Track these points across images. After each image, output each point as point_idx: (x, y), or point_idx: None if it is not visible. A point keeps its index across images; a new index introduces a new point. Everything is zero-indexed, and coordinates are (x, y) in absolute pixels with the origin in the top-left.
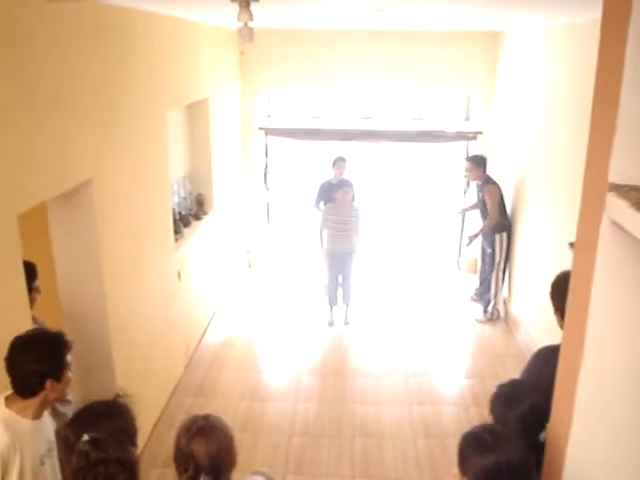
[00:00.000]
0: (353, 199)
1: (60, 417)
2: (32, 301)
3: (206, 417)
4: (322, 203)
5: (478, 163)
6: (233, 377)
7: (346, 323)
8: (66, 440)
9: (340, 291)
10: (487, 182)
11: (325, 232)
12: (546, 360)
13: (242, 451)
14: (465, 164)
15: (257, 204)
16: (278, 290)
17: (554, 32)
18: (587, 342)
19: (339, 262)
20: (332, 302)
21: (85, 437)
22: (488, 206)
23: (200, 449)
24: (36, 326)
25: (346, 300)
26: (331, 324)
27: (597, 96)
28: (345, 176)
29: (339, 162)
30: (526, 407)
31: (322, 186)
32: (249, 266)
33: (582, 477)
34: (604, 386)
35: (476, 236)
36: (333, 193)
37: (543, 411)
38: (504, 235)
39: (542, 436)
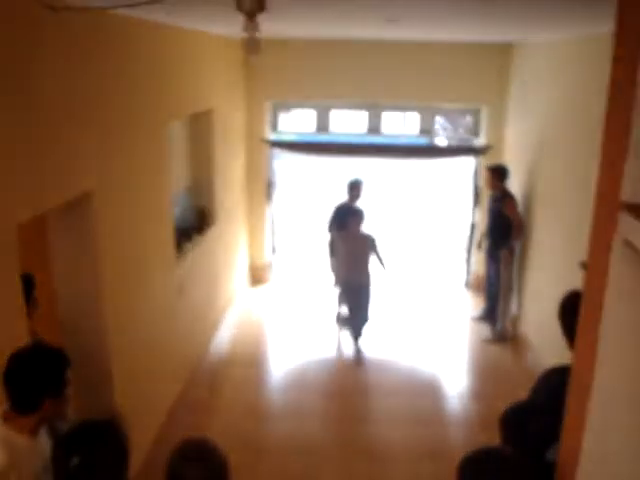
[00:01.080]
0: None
1: (58, 434)
2: (31, 313)
3: (199, 441)
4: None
5: (498, 174)
6: (235, 395)
7: (359, 363)
8: (57, 459)
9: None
10: (505, 195)
11: (337, 261)
12: (554, 380)
13: (244, 471)
14: (485, 173)
15: (260, 217)
16: (282, 305)
17: (566, 44)
18: (598, 363)
19: (353, 293)
20: (356, 332)
21: (75, 460)
22: (511, 217)
23: (192, 475)
24: (34, 339)
25: (355, 332)
26: (358, 362)
27: (609, 111)
28: (359, 201)
29: (355, 185)
30: (534, 428)
31: (338, 210)
32: (252, 281)
33: None
34: (615, 407)
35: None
36: (349, 218)
37: (551, 431)
38: (509, 252)
39: (550, 453)
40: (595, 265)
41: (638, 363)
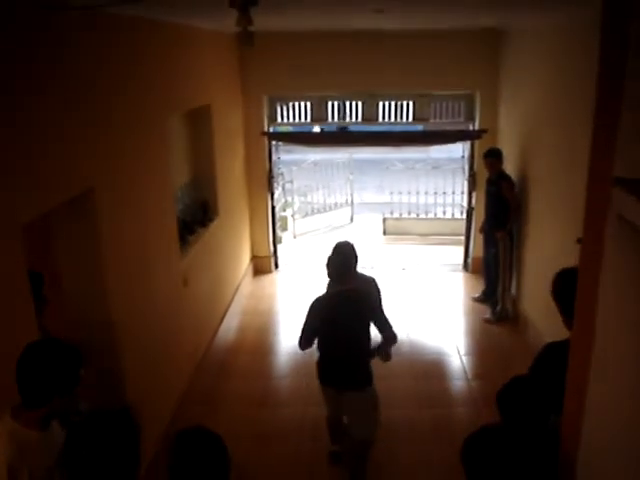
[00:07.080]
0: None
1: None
2: (41, 311)
3: (195, 430)
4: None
5: (498, 156)
6: (241, 384)
7: None
8: (69, 449)
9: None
10: (501, 177)
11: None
12: (553, 356)
13: (252, 458)
14: (485, 160)
15: (262, 209)
16: (287, 294)
17: (553, 29)
18: (596, 338)
19: (338, 398)
20: (333, 438)
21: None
22: (509, 199)
23: (190, 463)
24: (45, 336)
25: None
26: (335, 459)
27: (600, 89)
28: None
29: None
30: (534, 399)
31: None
32: (255, 271)
33: (595, 473)
34: (615, 382)
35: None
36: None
37: (552, 402)
38: (507, 233)
39: (552, 420)
40: (590, 241)
41: (636, 336)
